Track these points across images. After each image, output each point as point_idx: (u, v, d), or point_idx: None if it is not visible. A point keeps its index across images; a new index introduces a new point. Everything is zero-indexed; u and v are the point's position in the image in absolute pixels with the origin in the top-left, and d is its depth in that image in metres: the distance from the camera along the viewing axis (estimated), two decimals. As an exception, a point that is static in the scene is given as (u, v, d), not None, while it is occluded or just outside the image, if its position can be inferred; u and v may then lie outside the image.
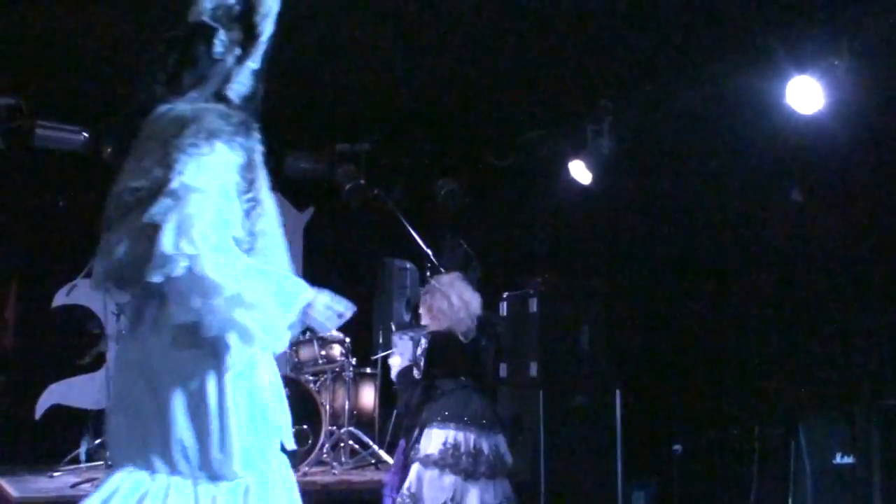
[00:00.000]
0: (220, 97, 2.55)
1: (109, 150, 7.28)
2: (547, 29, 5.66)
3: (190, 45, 2.55)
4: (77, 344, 7.64)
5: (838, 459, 5.25)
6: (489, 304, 6.41)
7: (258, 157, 2.54)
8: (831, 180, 5.57)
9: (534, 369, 6.06)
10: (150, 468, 2.34)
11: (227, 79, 2.56)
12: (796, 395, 5.63)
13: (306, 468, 6.34)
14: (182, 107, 2.47)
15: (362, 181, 8.23)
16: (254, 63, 2.60)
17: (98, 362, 7.59)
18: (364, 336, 7.65)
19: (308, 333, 7.35)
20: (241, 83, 2.59)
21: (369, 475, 6.46)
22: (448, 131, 7.59)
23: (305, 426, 6.29)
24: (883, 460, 5.17)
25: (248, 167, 2.48)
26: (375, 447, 6.82)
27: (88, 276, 7.37)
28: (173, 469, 2.34)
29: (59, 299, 7.63)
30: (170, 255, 2.22)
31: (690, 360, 6.21)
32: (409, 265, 7.05)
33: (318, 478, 6.25)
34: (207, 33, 2.54)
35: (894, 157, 5.27)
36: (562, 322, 6.13)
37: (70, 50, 6.32)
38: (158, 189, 2.29)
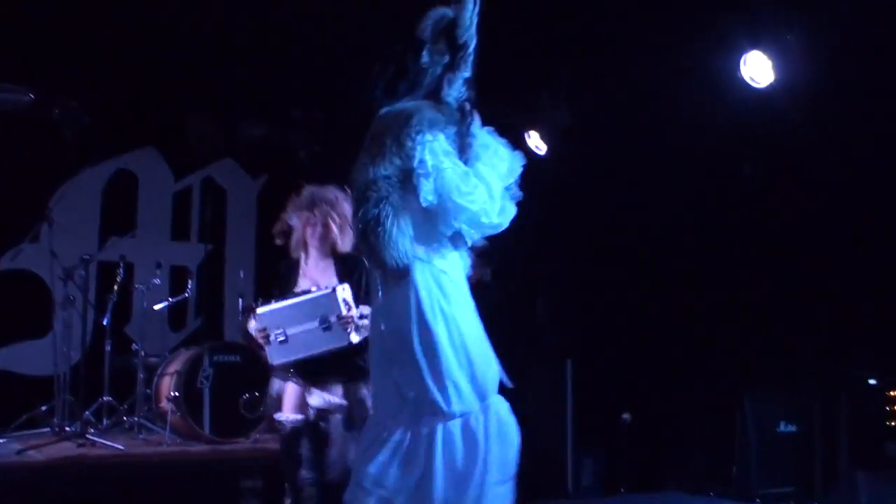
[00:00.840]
0: (436, 100, 3.04)
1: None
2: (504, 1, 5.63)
3: (403, 58, 3.07)
4: (22, 309, 7.52)
5: (782, 428, 5.37)
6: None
7: (471, 142, 3.00)
8: (781, 154, 5.65)
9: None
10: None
11: (437, 85, 3.05)
12: (742, 366, 5.74)
13: (257, 434, 6.33)
14: (401, 105, 3.01)
15: (317, 148, 8.17)
16: (465, 72, 3.06)
17: (44, 328, 7.48)
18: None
19: (260, 301, 7.32)
20: (455, 89, 3.04)
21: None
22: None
23: (256, 393, 6.27)
24: (824, 429, 5.30)
25: (461, 151, 2.97)
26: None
27: (34, 240, 7.29)
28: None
29: (4, 264, 7.50)
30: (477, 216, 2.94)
31: (640, 331, 6.28)
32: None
33: (268, 444, 6.24)
34: (417, 47, 3.06)
35: (841, 132, 5.36)
36: (517, 294, 6.16)
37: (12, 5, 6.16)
38: (407, 174, 2.89)
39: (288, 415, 4.34)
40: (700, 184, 6.01)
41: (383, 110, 3.03)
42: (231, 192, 8.95)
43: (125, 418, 6.78)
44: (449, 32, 3.07)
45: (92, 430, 6.35)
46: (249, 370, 6.37)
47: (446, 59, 3.05)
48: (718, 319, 5.89)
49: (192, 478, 5.62)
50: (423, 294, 2.88)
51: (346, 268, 4.44)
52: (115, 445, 5.96)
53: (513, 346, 6.01)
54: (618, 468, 6.30)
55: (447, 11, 3.08)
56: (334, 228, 4.49)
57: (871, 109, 5.21)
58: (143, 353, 6.88)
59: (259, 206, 8.93)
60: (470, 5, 3.05)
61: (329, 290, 4.22)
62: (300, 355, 4.28)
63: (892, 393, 5.40)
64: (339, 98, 7.86)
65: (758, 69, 5.37)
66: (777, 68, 5.32)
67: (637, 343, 6.34)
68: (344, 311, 4.17)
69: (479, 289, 3.01)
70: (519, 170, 3.06)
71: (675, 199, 6.10)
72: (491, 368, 3.04)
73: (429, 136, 2.89)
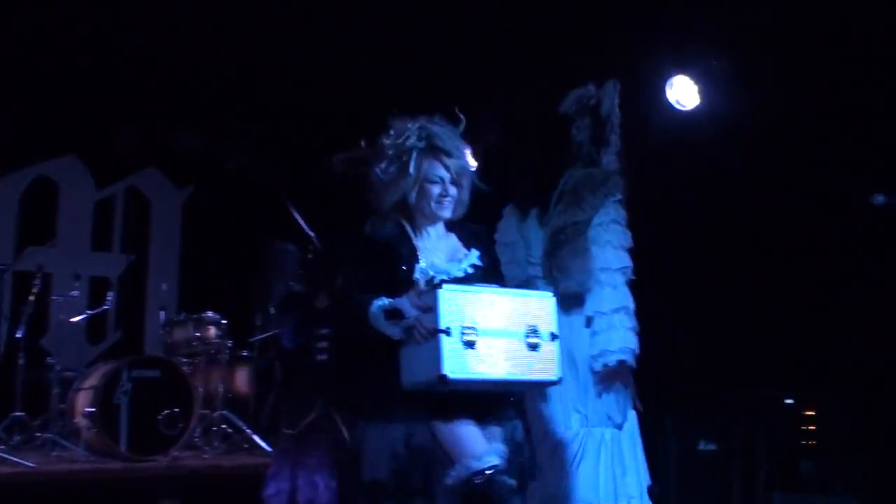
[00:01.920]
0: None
1: None
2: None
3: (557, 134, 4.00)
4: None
5: (701, 447, 5.45)
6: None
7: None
8: (701, 177, 5.76)
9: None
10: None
11: (589, 157, 3.98)
12: (663, 384, 5.80)
13: (176, 452, 6.18)
14: (590, 171, 3.97)
15: (245, 159, 8.07)
16: (614, 146, 3.96)
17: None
18: (241, 318, 7.51)
19: (183, 314, 7.18)
20: (609, 160, 3.97)
21: (242, 460, 6.35)
22: (336, 109, 7.49)
23: (177, 409, 6.13)
24: (743, 449, 5.40)
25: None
26: (249, 432, 6.70)
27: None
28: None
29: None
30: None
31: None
32: (291, 247, 6.93)
33: (188, 462, 6.10)
34: (566, 123, 3.98)
35: (762, 155, 5.49)
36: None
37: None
38: (587, 222, 3.85)
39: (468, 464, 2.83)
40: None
41: (574, 172, 3.95)
42: (155, 202, 8.78)
43: (37, 434, 6.56)
44: (595, 111, 3.97)
45: (1, 447, 6.13)
46: (170, 385, 6.23)
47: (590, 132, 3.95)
48: (643, 335, 5.94)
49: (108, 497, 5.47)
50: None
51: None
52: (26, 463, 5.75)
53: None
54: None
55: (589, 89, 3.99)
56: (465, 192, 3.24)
57: (791, 134, 5.35)
58: (58, 368, 6.67)
59: (184, 216, 8.78)
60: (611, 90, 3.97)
61: (547, 295, 3.08)
62: (493, 376, 2.86)
63: (807, 413, 5.53)
64: (267, 109, 7.79)
65: (684, 93, 5.48)
66: (702, 92, 5.43)
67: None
68: (555, 329, 3.03)
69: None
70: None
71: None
72: None
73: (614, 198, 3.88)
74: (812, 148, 5.37)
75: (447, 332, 2.75)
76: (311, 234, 6.22)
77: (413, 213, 3.15)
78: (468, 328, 2.78)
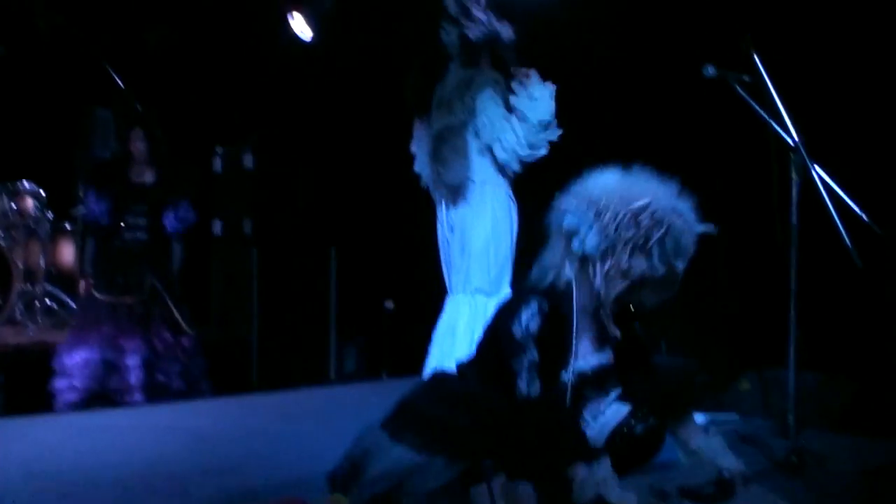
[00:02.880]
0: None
1: None
2: None
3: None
4: None
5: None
6: (203, 158, 6.14)
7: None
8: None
9: (248, 226, 5.89)
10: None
11: (466, 57, 4.16)
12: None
13: (-3, 328, 5.87)
14: (463, 72, 4.19)
15: (61, 19, 7.46)
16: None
17: None
18: (62, 189, 7.08)
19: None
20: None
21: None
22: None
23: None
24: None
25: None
26: (74, 307, 6.42)
27: None
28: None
29: None
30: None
31: (401, 220, 6.30)
32: (110, 114, 6.52)
33: (10, 339, 5.81)
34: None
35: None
36: (278, 178, 5.97)
37: None
38: (463, 124, 4.12)
39: None
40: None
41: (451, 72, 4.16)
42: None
43: None
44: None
45: None
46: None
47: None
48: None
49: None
50: None
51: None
52: None
53: (276, 233, 5.94)
54: (380, 354, 6.37)
55: None
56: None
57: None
58: None
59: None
60: None
61: None
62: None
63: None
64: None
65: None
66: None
67: (399, 231, 6.36)
68: None
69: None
70: (551, 115, 4.05)
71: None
72: None
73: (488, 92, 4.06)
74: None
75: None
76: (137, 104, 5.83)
77: None
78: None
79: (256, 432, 4.47)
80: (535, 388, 2.33)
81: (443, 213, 4.37)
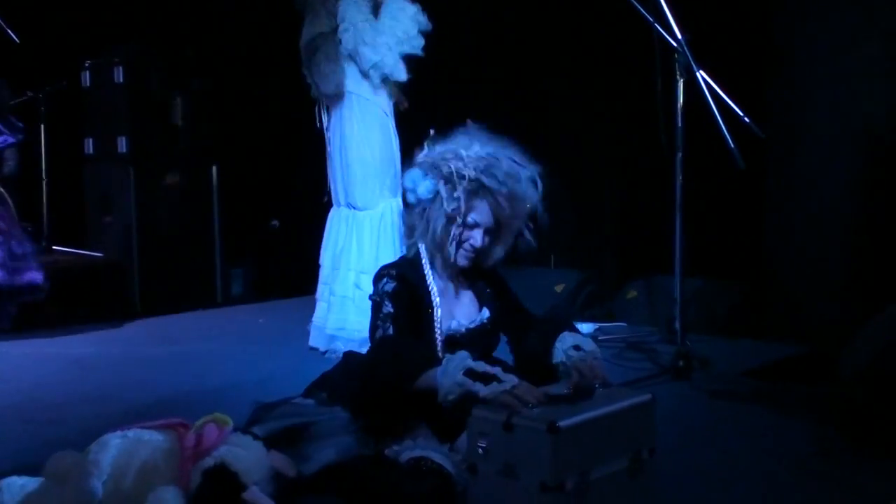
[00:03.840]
0: None
1: None
2: None
3: None
4: None
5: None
6: (70, 71, 5.77)
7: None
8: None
9: (123, 144, 5.59)
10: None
11: None
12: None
13: None
14: None
15: None
16: None
17: None
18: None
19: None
20: None
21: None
22: None
23: None
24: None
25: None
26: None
27: None
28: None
29: None
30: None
31: (285, 136, 6.11)
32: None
33: None
34: None
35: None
36: (152, 93, 5.66)
37: None
38: (333, 31, 4.14)
39: None
40: None
41: None
42: None
43: None
44: None
45: None
46: None
47: None
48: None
49: None
50: None
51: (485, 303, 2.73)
52: None
53: (152, 151, 5.66)
54: (266, 275, 6.23)
55: None
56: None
57: None
58: None
59: None
60: None
61: (647, 397, 2.23)
62: None
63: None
64: None
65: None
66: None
67: (283, 151, 6.18)
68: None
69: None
70: (415, 29, 4.08)
71: None
72: None
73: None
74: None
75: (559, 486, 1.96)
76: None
77: None
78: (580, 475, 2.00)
79: (139, 358, 4.35)
80: (390, 331, 2.45)
81: (326, 124, 4.29)
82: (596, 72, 5.40)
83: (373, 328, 2.48)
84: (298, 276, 5.97)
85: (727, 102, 3.47)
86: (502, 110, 5.51)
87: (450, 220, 2.49)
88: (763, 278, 4.66)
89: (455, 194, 2.47)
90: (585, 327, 4.53)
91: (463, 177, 2.46)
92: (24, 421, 3.27)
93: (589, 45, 5.37)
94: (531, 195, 2.53)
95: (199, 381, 3.82)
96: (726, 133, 3.33)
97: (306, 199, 6.09)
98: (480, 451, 2.02)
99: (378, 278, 2.53)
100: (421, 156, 2.59)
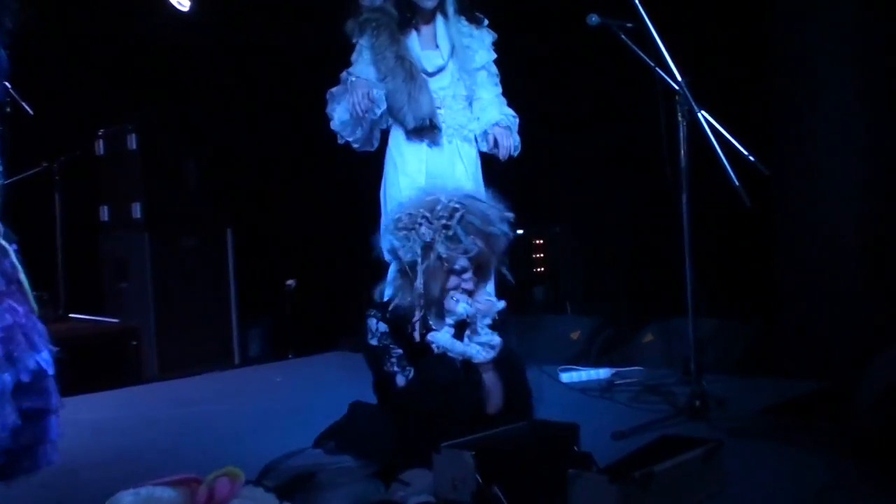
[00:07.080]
0: None
1: None
2: None
3: None
4: None
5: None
6: (84, 140, 5.86)
7: None
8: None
9: (137, 210, 5.67)
10: None
11: None
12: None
13: None
14: None
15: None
16: None
17: None
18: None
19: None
20: None
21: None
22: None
23: None
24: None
25: None
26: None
27: None
28: None
29: None
30: None
31: (298, 199, 6.17)
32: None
33: None
34: None
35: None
36: (165, 159, 5.75)
37: None
38: None
39: None
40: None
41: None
42: None
43: None
44: None
45: None
46: None
47: None
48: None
49: None
50: None
51: None
52: None
53: (166, 215, 5.72)
54: (285, 335, 6.24)
55: None
56: None
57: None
58: None
59: None
60: None
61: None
62: None
63: (536, 241, 5.79)
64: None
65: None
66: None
67: (297, 211, 6.23)
68: None
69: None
70: None
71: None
72: None
73: None
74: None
75: None
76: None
77: None
78: None
79: (153, 420, 4.34)
80: (411, 373, 2.61)
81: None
82: (600, 119, 5.44)
83: (388, 374, 2.49)
84: (316, 334, 5.99)
85: (731, 141, 3.48)
86: (510, 165, 5.56)
87: (441, 274, 2.55)
88: (777, 316, 4.62)
89: (436, 251, 2.61)
90: (603, 372, 4.52)
91: (443, 227, 2.60)
92: (40, 486, 3.25)
93: (591, 94, 5.42)
94: (505, 231, 2.65)
95: (216, 443, 3.81)
96: (731, 172, 3.34)
97: (322, 258, 6.15)
98: None
99: (366, 323, 2.67)
100: (392, 221, 2.72)
